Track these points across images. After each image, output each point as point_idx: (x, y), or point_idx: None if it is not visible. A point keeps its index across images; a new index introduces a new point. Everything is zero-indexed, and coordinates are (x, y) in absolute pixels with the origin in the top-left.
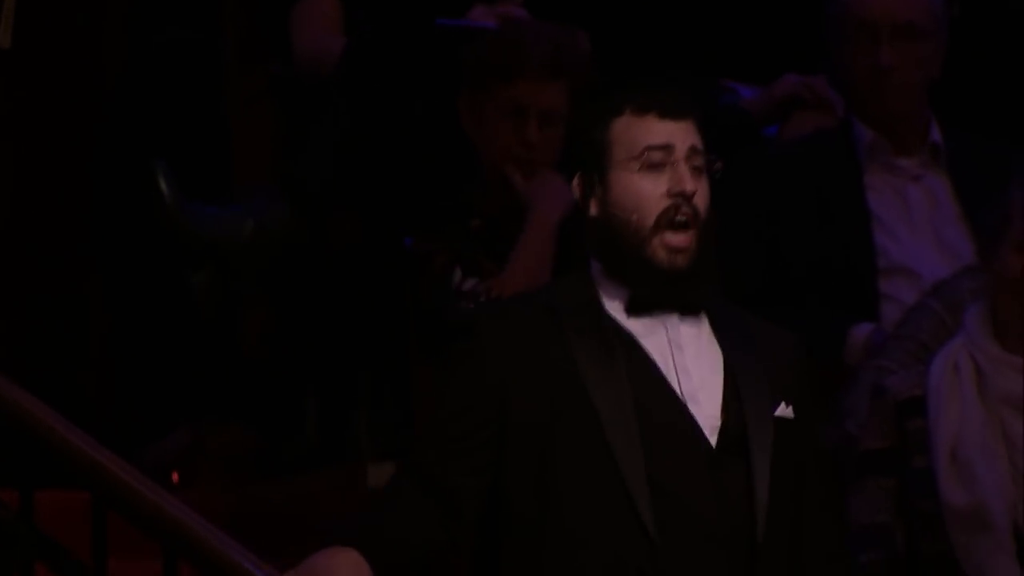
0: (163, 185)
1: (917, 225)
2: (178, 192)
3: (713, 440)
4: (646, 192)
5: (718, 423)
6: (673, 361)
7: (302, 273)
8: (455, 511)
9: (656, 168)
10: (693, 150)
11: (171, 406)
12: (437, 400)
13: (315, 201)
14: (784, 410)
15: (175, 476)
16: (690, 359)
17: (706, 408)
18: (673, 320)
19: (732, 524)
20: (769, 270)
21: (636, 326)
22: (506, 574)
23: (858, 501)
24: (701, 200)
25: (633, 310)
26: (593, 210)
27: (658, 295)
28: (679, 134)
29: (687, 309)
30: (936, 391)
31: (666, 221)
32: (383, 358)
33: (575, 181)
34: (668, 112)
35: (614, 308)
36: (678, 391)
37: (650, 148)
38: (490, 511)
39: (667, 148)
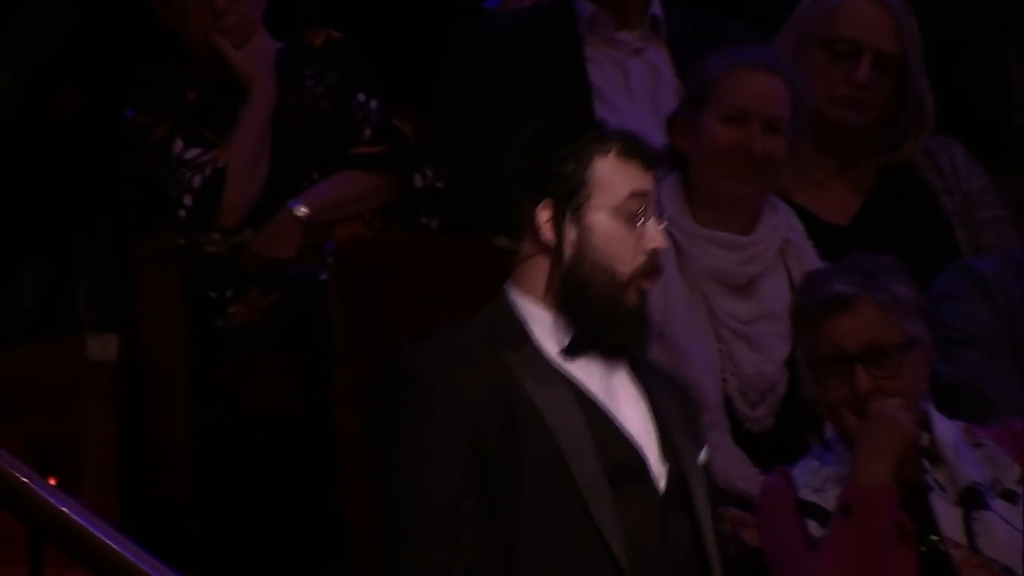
0: None
1: (637, 98)
2: None
3: (662, 485)
4: (628, 243)
5: (664, 468)
6: (610, 404)
7: (19, 143)
8: None
9: (633, 218)
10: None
11: None
12: (410, 473)
13: (33, 71)
14: (704, 456)
15: None
16: (623, 404)
17: (649, 453)
18: (601, 362)
19: (679, 569)
20: (490, 146)
21: (572, 368)
22: None
23: None
24: None
25: (578, 350)
26: (566, 248)
27: (624, 337)
28: (654, 184)
29: (619, 350)
30: None
31: (642, 275)
32: (103, 229)
33: (543, 215)
34: (651, 161)
35: (547, 347)
36: (627, 433)
37: (634, 195)
38: None
39: (646, 197)
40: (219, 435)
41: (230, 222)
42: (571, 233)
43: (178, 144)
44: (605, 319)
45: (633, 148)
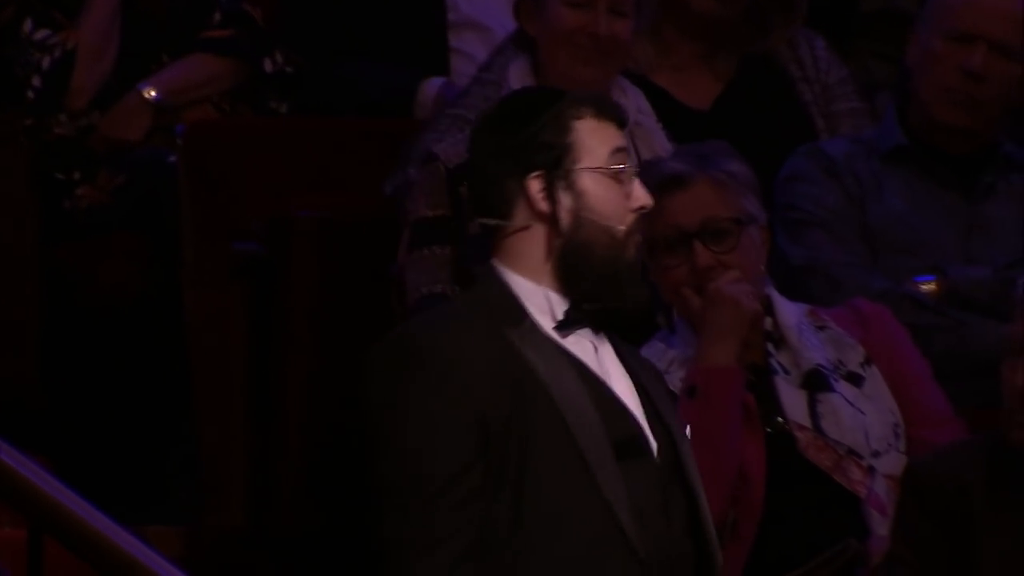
0: None
1: None
2: None
3: (658, 459)
4: (620, 201)
5: (656, 443)
6: (606, 380)
7: None
8: None
9: (617, 176)
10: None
11: None
12: (414, 447)
13: None
14: (689, 433)
15: None
16: (615, 379)
17: (644, 427)
18: (590, 338)
19: (680, 546)
20: (342, 26)
21: (567, 343)
22: None
23: (415, 271)
24: None
25: (576, 322)
26: (563, 215)
27: (629, 297)
28: (628, 142)
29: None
30: None
31: (635, 231)
32: None
33: (535, 186)
34: (623, 120)
35: (543, 322)
36: (627, 407)
37: (615, 152)
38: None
39: (625, 153)
40: (67, 316)
41: (79, 104)
42: (566, 200)
43: (27, 24)
44: (610, 280)
45: (606, 108)
